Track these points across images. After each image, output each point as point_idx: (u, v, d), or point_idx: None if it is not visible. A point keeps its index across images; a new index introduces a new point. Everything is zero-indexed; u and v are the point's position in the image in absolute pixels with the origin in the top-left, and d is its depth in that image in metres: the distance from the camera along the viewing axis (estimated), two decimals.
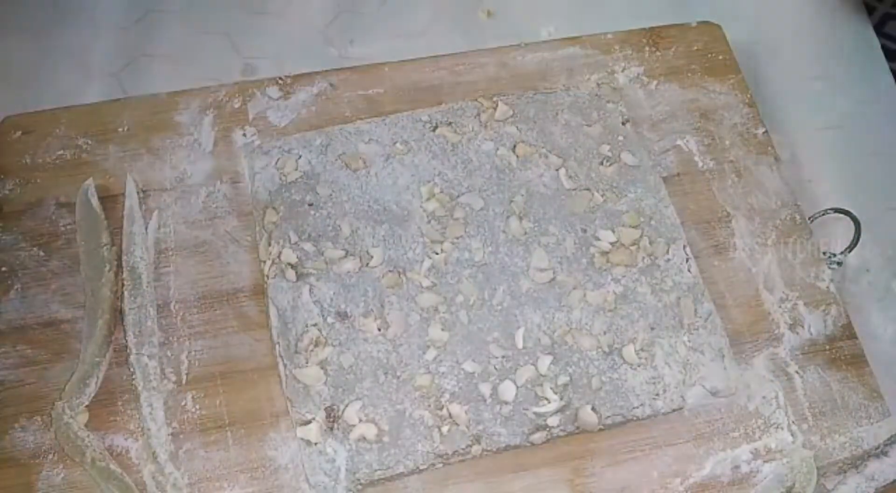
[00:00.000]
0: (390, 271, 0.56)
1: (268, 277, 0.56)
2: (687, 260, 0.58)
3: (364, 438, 0.52)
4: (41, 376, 0.55)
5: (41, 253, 0.59)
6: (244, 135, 0.64)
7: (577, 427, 0.53)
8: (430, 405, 0.53)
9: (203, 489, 0.52)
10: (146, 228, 0.59)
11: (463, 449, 0.52)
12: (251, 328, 0.57)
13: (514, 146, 0.61)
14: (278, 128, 0.64)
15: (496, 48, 0.69)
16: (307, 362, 0.53)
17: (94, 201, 0.60)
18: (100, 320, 0.55)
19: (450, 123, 0.62)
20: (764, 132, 0.66)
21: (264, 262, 0.57)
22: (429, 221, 0.58)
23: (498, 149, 0.61)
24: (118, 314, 0.56)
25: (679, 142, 0.65)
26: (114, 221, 0.60)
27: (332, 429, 0.52)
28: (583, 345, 0.55)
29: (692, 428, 0.55)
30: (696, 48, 0.69)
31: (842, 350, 0.58)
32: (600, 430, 0.54)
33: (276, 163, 0.61)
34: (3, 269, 0.58)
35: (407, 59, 0.68)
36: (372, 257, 0.57)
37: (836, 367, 0.57)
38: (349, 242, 0.58)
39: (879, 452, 0.53)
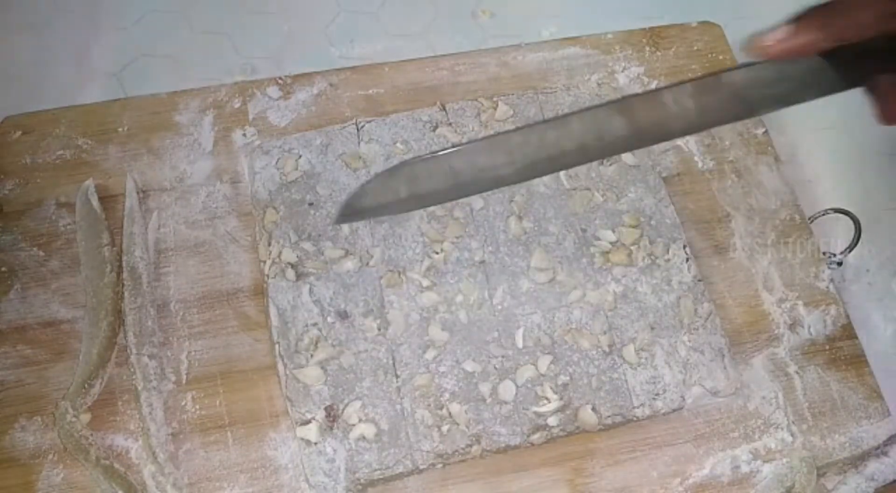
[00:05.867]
0: (390, 270, 0.56)
1: (268, 276, 0.56)
2: (687, 260, 0.58)
3: (364, 437, 0.52)
4: (41, 376, 0.55)
5: (41, 253, 0.59)
6: (244, 135, 0.64)
7: (577, 427, 0.53)
8: (429, 405, 0.53)
9: (203, 489, 0.52)
10: (146, 228, 0.59)
11: (463, 449, 0.52)
12: (251, 328, 0.57)
13: None
14: (278, 128, 0.64)
15: (496, 48, 0.69)
16: (307, 362, 0.53)
17: (94, 201, 0.60)
18: (103, 322, 0.55)
19: (450, 123, 0.62)
20: (764, 132, 0.66)
21: (264, 262, 0.57)
22: (428, 221, 0.58)
23: None
24: (120, 315, 0.56)
25: (679, 142, 0.65)
26: (114, 222, 0.60)
27: (331, 429, 0.52)
28: (583, 345, 0.55)
29: (692, 428, 0.55)
30: (696, 48, 0.69)
31: (841, 350, 0.58)
32: (600, 430, 0.54)
33: (277, 162, 0.61)
34: (3, 269, 0.58)
35: (407, 59, 0.68)
36: (372, 256, 0.57)
37: (836, 367, 0.57)
38: (349, 242, 0.58)
39: (879, 452, 0.53)
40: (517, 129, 0.44)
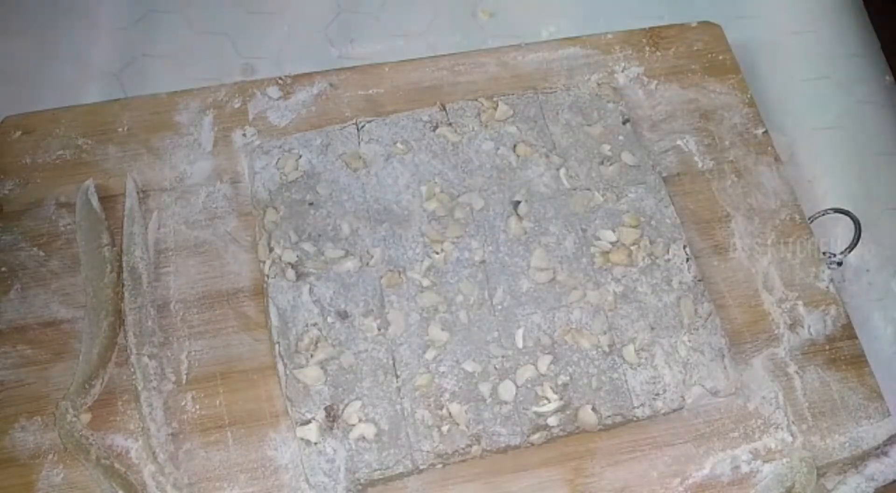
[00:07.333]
0: (390, 270, 0.56)
1: (268, 277, 0.56)
2: (687, 260, 0.58)
3: (364, 437, 0.52)
4: (41, 376, 0.55)
5: (41, 253, 0.59)
6: (244, 135, 0.64)
7: (577, 427, 0.53)
8: (429, 405, 0.53)
9: (203, 489, 0.52)
10: (146, 228, 0.60)
11: (463, 449, 0.52)
12: (251, 328, 0.57)
13: (515, 146, 0.61)
14: (278, 128, 0.64)
15: (496, 48, 0.69)
16: (307, 362, 0.53)
17: (94, 201, 0.60)
18: (103, 322, 0.55)
19: (450, 123, 0.62)
20: (764, 132, 0.66)
21: (264, 262, 0.57)
22: (429, 221, 0.58)
23: (498, 149, 0.61)
24: (121, 315, 0.56)
25: (679, 142, 0.65)
26: (114, 222, 0.60)
27: (331, 429, 0.52)
28: (583, 345, 0.55)
29: (692, 428, 0.55)
30: (696, 48, 0.69)
31: (841, 350, 0.58)
32: (600, 430, 0.54)
33: (277, 162, 0.61)
34: (3, 269, 0.58)
35: (407, 59, 0.68)
36: (372, 256, 0.57)
37: (836, 367, 0.57)
38: (349, 242, 0.58)
39: (879, 452, 0.53)
40: None
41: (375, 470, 0.51)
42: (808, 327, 0.58)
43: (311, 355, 0.54)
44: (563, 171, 0.61)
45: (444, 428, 0.52)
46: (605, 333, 0.55)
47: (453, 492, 0.53)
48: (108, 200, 0.61)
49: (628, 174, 0.61)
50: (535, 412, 0.53)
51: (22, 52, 0.73)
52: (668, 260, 0.58)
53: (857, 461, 0.53)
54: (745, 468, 0.54)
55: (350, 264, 0.57)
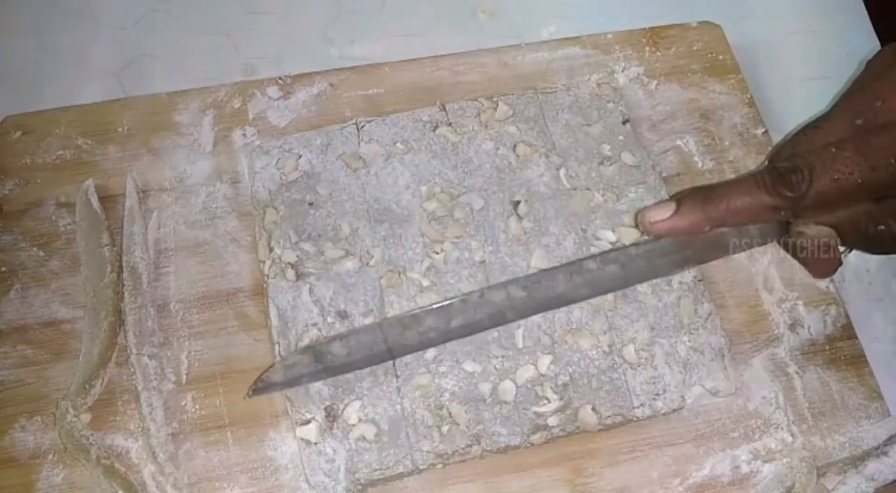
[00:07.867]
0: (390, 270, 0.56)
1: (268, 276, 0.56)
2: None
3: (363, 438, 0.52)
4: (41, 376, 0.55)
5: (41, 253, 0.59)
6: (244, 135, 0.64)
7: (577, 427, 0.53)
8: (429, 405, 0.53)
9: (203, 489, 0.52)
10: (146, 228, 0.60)
11: (463, 449, 0.52)
12: (251, 328, 0.57)
13: (515, 146, 0.61)
14: (278, 128, 0.64)
15: (496, 48, 0.69)
16: None
17: (94, 201, 0.60)
18: (104, 322, 0.55)
19: (450, 123, 0.62)
20: (764, 132, 0.66)
21: (264, 262, 0.57)
22: (429, 221, 0.58)
23: (498, 149, 0.61)
24: (121, 315, 0.56)
25: (679, 142, 0.65)
26: (114, 221, 0.60)
27: (331, 429, 0.52)
28: (583, 345, 0.55)
29: (692, 428, 0.55)
30: (696, 48, 0.69)
31: (841, 350, 0.58)
32: (600, 430, 0.54)
33: (277, 162, 0.61)
34: (3, 269, 0.58)
35: (407, 59, 0.68)
36: (372, 256, 0.57)
37: (836, 367, 0.57)
38: (349, 242, 0.58)
39: (879, 452, 0.53)
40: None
41: (375, 470, 0.51)
42: (808, 327, 0.58)
43: None
44: (562, 171, 0.61)
45: (444, 428, 0.52)
46: (605, 333, 0.55)
47: (453, 492, 0.53)
48: (108, 200, 0.61)
49: (628, 174, 0.61)
50: (535, 412, 0.53)
51: (22, 53, 0.73)
52: None
53: (857, 461, 0.53)
54: (745, 468, 0.54)
55: (350, 264, 0.57)
